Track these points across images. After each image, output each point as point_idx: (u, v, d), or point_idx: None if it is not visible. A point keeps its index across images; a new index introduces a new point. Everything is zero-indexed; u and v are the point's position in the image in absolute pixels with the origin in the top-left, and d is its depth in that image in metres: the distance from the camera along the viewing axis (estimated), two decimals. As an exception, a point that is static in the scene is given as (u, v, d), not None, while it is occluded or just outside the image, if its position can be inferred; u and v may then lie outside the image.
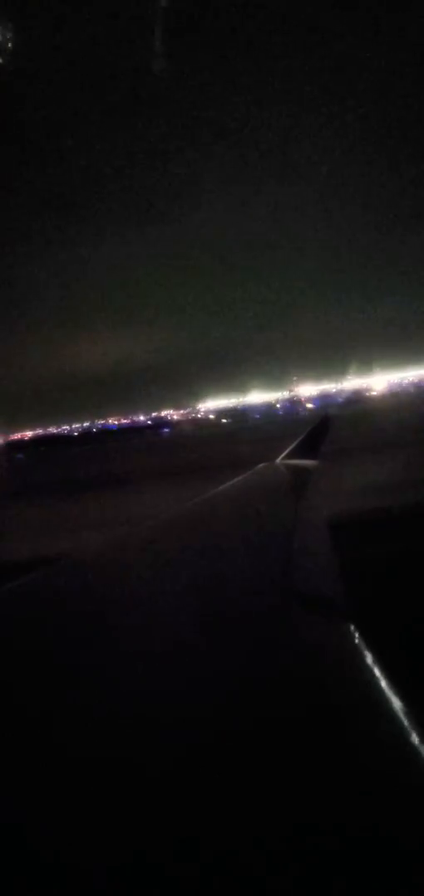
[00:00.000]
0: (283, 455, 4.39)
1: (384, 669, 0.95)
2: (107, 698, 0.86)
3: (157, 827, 0.61)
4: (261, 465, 4.02)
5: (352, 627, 1.17)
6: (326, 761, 0.72)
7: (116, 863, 0.56)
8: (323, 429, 5.40)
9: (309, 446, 4.59)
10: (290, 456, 4.37)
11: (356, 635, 1.13)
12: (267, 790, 0.66)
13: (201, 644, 1.07)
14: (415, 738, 0.74)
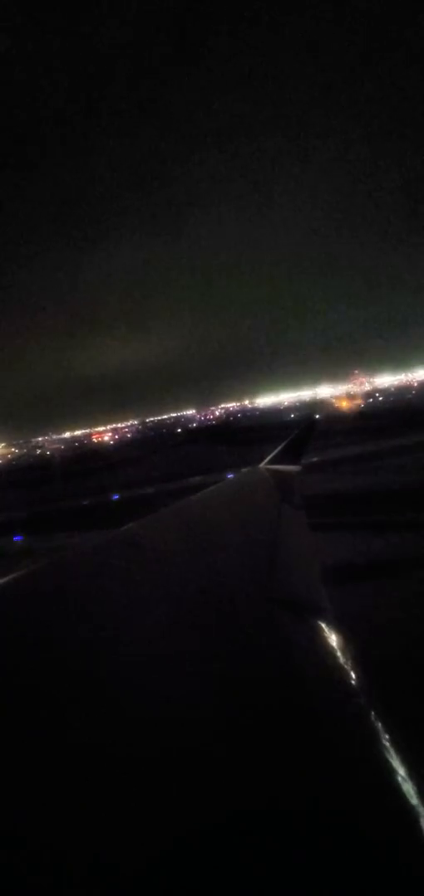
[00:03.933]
0: (267, 460, 4.41)
1: (356, 666, 1.03)
2: (92, 687, 0.88)
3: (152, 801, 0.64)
4: (245, 470, 4.11)
5: (330, 627, 1.24)
6: (301, 752, 0.76)
7: (97, 826, 0.58)
8: (307, 434, 5.29)
9: (292, 451, 4.60)
10: (274, 461, 4.37)
11: (334, 636, 1.19)
12: (244, 771, 0.70)
13: (183, 642, 1.09)
14: (386, 729, 0.81)
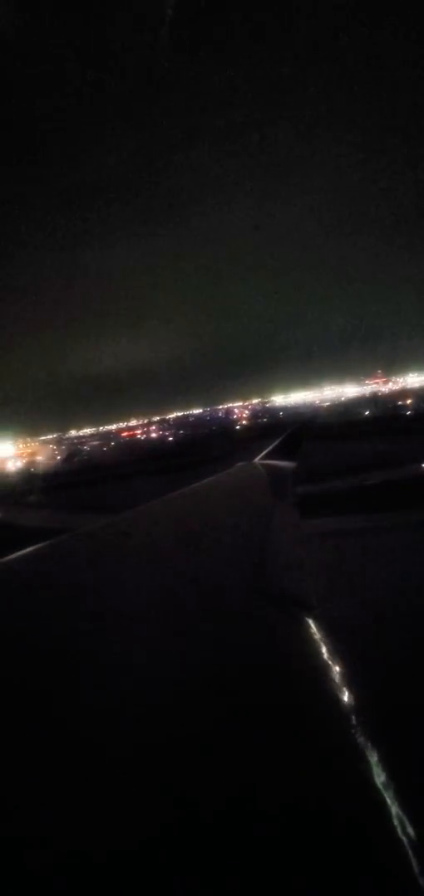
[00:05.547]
0: (261, 455, 4.49)
1: (341, 664, 1.06)
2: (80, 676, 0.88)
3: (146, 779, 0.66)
4: (239, 464, 4.11)
5: (315, 625, 1.25)
6: (278, 742, 0.79)
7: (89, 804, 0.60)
8: (303, 432, 5.36)
9: (288, 448, 4.70)
10: (268, 456, 4.45)
11: (320, 633, 1.21)
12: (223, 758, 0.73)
13: (169, 632, 1.10)
14: (372, 727, 0.83)
